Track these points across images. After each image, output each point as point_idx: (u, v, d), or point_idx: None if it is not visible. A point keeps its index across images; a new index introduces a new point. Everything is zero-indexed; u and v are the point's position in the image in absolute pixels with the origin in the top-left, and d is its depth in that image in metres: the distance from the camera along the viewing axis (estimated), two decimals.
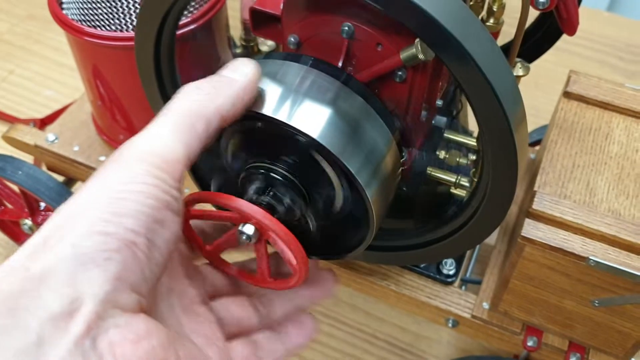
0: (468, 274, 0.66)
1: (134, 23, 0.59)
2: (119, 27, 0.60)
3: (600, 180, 0.52)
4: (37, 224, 0.78)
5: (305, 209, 0.44)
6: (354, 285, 0.64)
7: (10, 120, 0.97)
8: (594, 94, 0.58)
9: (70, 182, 0.80)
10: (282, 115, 0.39)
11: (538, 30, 0.58)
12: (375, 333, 0.80)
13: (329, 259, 0.48)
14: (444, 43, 0.36)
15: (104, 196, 0.31)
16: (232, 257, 0.46)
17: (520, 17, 0.46)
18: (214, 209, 0.45)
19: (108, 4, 0.58)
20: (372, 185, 0.42)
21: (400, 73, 0.45)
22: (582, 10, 0.49)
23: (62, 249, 0.29)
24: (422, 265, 0.63)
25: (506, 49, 0.50)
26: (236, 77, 0.37)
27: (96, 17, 0.59)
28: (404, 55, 0.43)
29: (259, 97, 0.40)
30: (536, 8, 0.45)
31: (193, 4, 0.61)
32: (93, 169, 0.71)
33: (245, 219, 0.40)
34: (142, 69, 0.50)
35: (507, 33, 0.50)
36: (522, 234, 0.49)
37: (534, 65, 0.58)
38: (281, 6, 0.48)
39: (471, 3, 0.51)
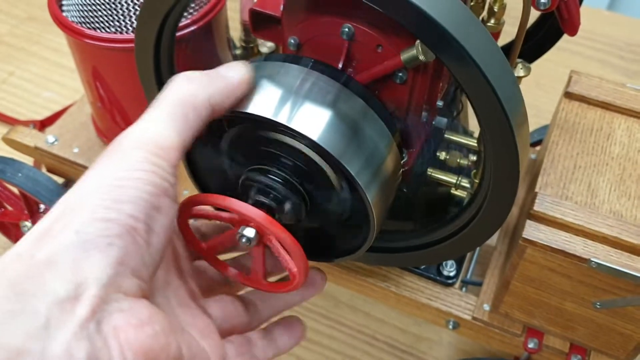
0: (469, 276, 0.66)
1: (134, 25, 0.59)
2: (118, 29, 0.59)
3: (602, 181, 0.52)
4: None
5: (306, 212, 0.44)
6: (354, 287, 0.64)
7: (10, 121, 0.97)
8: (595, 94, 0.58)
9: (70, 183, 0.80)
10: (282, 118, 0.39)
11: (539, 30, 0.58)
12: (375, 334, 0.80)
13: (329, 261, 0.48)
14: (445, 44, 0.35)
15: (104, 184, 0.32)
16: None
17: (521, 18, 0.46)
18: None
19: (108, 6, 0.58)
20: (373, 187, 0.42)
21: (400, 74, 0.45)
22: (582, 9, 0.49)
23: (66, 236, 0.30)
24: (422, 267, 0.62)
25: (507, 49, 0.50)
26: (229, 73, 0.38)
27: (96, 19, 0.59)
28: (404, 56, 0.43)
29: (259, 100, 0.40)
30: (537, 9, 0.44)
31: (193, 5, 0.61)
32: None
33: (246, 221, 0.39)
34: (142, 71, 0.50)
35: (509, 32, 0.50)
36: (524, 235, 0.49)
37: (535, 65, 0.58)
38: (281, 7, 0.48)
39: (472, 4, 0.51)
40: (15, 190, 0.76)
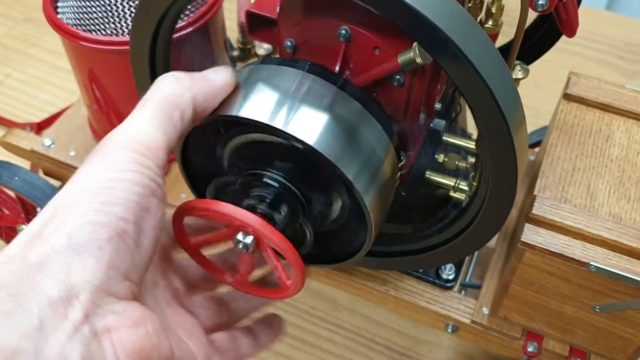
0: (468, 278, 0.66)
1: (130, 27, 0.59)
2: (114, 32, 0.59)
3: (601, 183, 0.51)
4: None
5: (303, 216, 0.43)
6: (353, 290, 0.64)
7: (7, 124, 0.97)
8: (594, 95, 0.57)
9: None
10: (278, 122, 0.39)
11: (537, 31, 0.58)
12: (375, 337, 0.80)
13: (327, 266, 0.48)
14: (440, 45, 0.35)
15: (93, 186, 0.32)
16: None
17: (519, 19, 0.45)
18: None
19: (103, 8, 0.58)
20: (370, 191, 0.42)
21: (398, 77, 0.45)
22: (580, 9, 0.49)
23: (57, 239, 0.30)
24: (421, 270, 0.62)
25: (505, 50, 0.50)
26: (213, 76, 0.39)
27: (91, 21, 0.59)
28: (401, 59, 0.42)
29: (255, 104, 0.40)
30: (535, 10, 0.44)
31: (189, 7, 0.60)
32: None
33: (242, 227, 0.39)
34: (138, 73, 0.49)
35: (507, 32, 0.50)
36: (522, 239, 0.48)
37: (533, 66, 0.58)
38: (277, 9, 0.48)
39: (469, 5, 0.51)
40: (11, 193, 0.76)
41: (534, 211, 0.49)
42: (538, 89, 1.00)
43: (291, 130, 0.39)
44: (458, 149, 0.54)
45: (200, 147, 0.46)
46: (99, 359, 0.29)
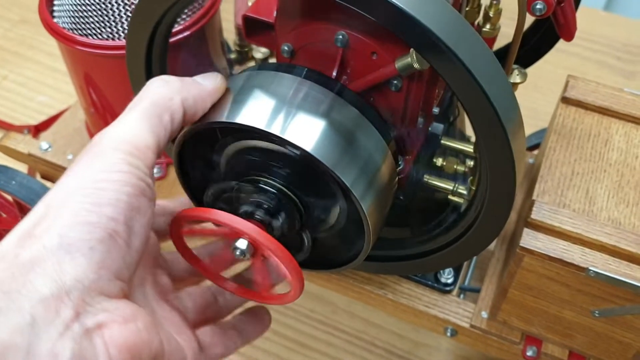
0: (466, 282, 0.66)
1: (126, 31, 0.59)
2: (110, 36, 0.59)
3: (600, 188, 0.51)
4: None
5: (301, 222, 0.43)
6: (351, 294, 0.63)
7: (5, 126, 0.97)
8: (592, 99, 0.57)
9: None
10: (275, 129, 0.38)
11: (535, 34, 0.57)
12: (374, 341, 0.79)
13: (325, 271, 0.48)
14: (436, 51, 0.35)
15: (84, 186, 0.32)
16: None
17: (517, 24, 0.45)
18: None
19: (99, 12, 0.58)
20: (368, 197, 0.42)
21: (395, 82, 0.44)
22: (578, 9, 0.49)
23: (49, 238, 0.31)
24: (419, 274, 0.62)
25: (503, 54, 0.49)
26: (204, 82, 0.40)
27: (87, 25, 0.58)
28: (399, 64, 0.42)
29: (252, 110, 0.40)
30: (533, 14, 0.44)
31: (185, 11, 0.60)
32: None
33: (238, 235, 0.39)
34: (134, 78, 0.49)
35: (505, 34, 0.50)
36: (521, 244, 0.48)
37: (532, 67, 0.58)
38: (274, 13, 0.47)
39: (467, 9, 0.51)
40: (9, 197, 0.75)
41: (533, 216, 0.49)
42: (537, 90, 1.00)
43: (288, 136, 0.38)
44: (456, 153, 0.54)
45: (198, 154, 0.45)
46: (90, 355, 0.30)
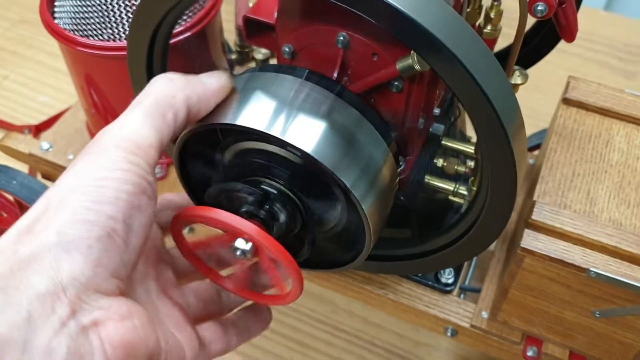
0: (467, 282, 0.66)
1: (127, 32, 0.59)
2: (111, 37, 0.59)
3: (601, 189, 0.51)
4: None
5: (302, 223, 0.43)
6: (352, 294, 0.63)
7: (5, 126, 0.96)
8: (593, 100, 0.57)
9: None
10: (275, 131, 0.38)
11: (536, 35, 0.57)
12: (374, 340, 0.79)
13: (326, 271, 0.48)
14: (436, 53, 0.35)
15: (84, 184, 0.32)
16: None
17: (518, 25, 0.45)
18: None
19: (100, 13, 0.58)
20: (369, 198, 0.42)
21: (396, 83, 0.44)
22: (579, 9, 0.49)
23: (47, 235, 0.31)
24: (420, 274, 0.62)
25: (504, 55, 0.49)
26: (208, 80, 0.39)
27: (88, 26, 0.58)
28: (400, 65, 0.42)
29: (252, 112, 0.40)
30: (534, 16, 0.44)
31: (186, 12, 0.60)
32: None
33: (240, 235, 0.39)
34: (135, 79, 0.49)
35: (506, 35, 0.50)
36: (522, 245, 0.48)
37: (533, 68, 0.57)
38: (275, 15, 0.47)
39: (468, 10, 0.51)
40: (10, 197, 0.75)
41: (534, 217, 0.49)
42: (538, 90, 1.00)
43: (288, 138, 0.38)
44: (457, 153, 0.54)
45: (198, 155, 0.45)
46: (86, 352, 0.30)
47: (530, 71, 0.52)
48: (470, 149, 0.52)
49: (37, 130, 0.90)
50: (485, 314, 0.59)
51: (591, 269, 0.46)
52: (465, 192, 0.52)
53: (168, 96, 0.37)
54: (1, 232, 0.80)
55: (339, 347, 0.79)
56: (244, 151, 0.43)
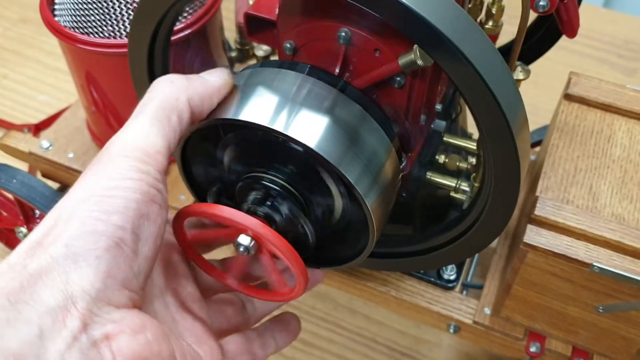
0: (469, 278, 0.66)
1: (127, 29, 0.59)
2: (112, 34, 0.59)
3: (603, 184, 0.51)
4: None
5: (304, 219, 0.43)
6: (354, 291, 0.63)
7: (5, 125, 0.96)
8: (595, 95, 0.57)
9: (65, 188, 0.79)
10: (279, 125, 0.38)
11: (538, 31, 0.57)
12: (375, 337, 0.79)
13: (329, 267, 0.48)
14: (441, 48, 0.35)
15: (92, 194, 0.32)
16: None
17: (520, 20, 0.45)
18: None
19: (101, 11, 0.57)
20: (372, 193, 0.41)
21: (398, 79, 0.44)
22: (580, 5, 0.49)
23: (56, 248, 0.30)
24: (422, 271, 0.62)
25: (506, 51, 0.49)
26: (209, 78, 0.39)
27: (89, 23, 0.58)
28: (402, 61, 0.42)
29: (256, 107, 0.39)
30: (536, 11, 0.44)
31: (187, 9, 0.60)
32: None
33: (243, 230, 0.39)
34: (136, 76, 0.49)
35: (507, 32, 0.49)
36: (525, 240, 0.48)
37: (532, 64, 0.57)
38: (276, 11, 0.47)
39: (470, 6, 0.51)
40: (10, 196, 0.75)
41: (537, 212, 0.49)
42: (537, 87, 1.00)
43: (292, 133, 0.38)
44: (459, 150, 0.54)
45: (201, 151, 0.45)
46: None
47: (530, 68, 0.52)
48: (472, 145, 0.52)
49: (37, 129, 0.91)
50: (487, 310, 0.59)
51: (594, 264, 0.46)
52: (467, 189, 0.52)
53: (171, 98, 0.36)
54: (2, 230, 0.80)
55: (340, 344, 0.79)
56: (246, 147, 0.43)
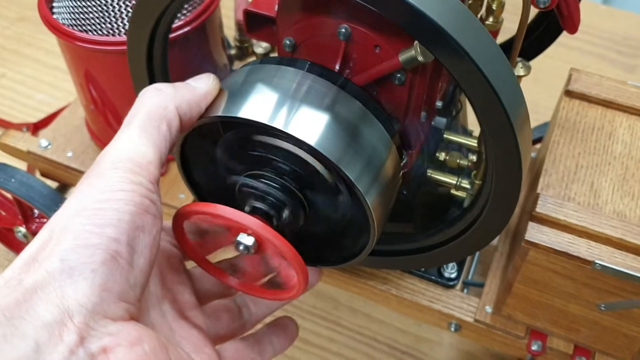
0: (470, 276, 0.65)
1: (126, 27, 0.58)
2: (110, 32, 0.58)
3: (605, 181, 0.51)
4: (31, 231, 0.77)
5: (305, 217, 0.43)
6: (354, 289, 0.63)
7: (3, 124, 0.96)
8: (596, 92, 0.57)
9: (64, 188, 0.79)
10: (278, 123, 0.38)
11: (538, 27, 0.57)
12: (376, 336, 0.79)
13: (330, 266, 0.47)
14: (442, 44, 0.34)
15: (86, 208, 0.32)
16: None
17: (521, 17, 0.45)
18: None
19: (99, 8, 0.57)
20: (373, 191, 0.41)
21: (399, 75, 0.44)
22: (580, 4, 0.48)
23: (51, 263, 0.30)
24: (423, 269, 0.62)
25: (507, 47, 0.49)
26: (196, 84, 0.39)
27: (87, 21, 0.58)
28: (402, 57, 0.42)
29: (255, 105, 0.39)
30: (537, 7, 0.43)
31: (186, 6, 0.60)
32: None
33: (243, 229, 0.39)
34: (135, 74, 0.49)
35: (508, 29, 0.49)
36: (526, 237, 0.48)
37: (532, 61, 0.57)
38: (276, 8, 0.47)
39: (470, 2, 0.50)
40: (9, 195, 0.75)
41: (538, 209, 0.48)
42: (537, 84, 1.00)
43: (292, 130, 0.38)
44: (459, 147, 0.53)
45: (200, 150, 0.45)
46: None
47: (530, 65, 0.52)
48: (472, 142, 0.52)
49: (36, 128, 0.90)
50: (489, 309, 0.59)
51: (596, 261, 0.46)
52: (467, 186, 0.52)
53: (159, 107, 0.37)
54: (1, 230, 0.80)
55: (341, 343, 0.79)
56: (245, 145, 0.43)
